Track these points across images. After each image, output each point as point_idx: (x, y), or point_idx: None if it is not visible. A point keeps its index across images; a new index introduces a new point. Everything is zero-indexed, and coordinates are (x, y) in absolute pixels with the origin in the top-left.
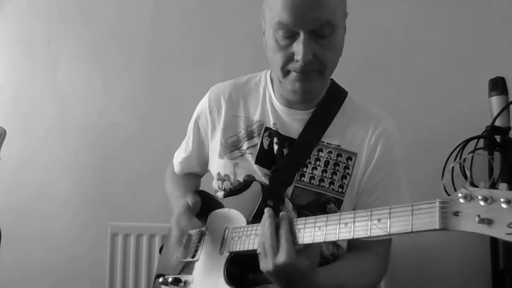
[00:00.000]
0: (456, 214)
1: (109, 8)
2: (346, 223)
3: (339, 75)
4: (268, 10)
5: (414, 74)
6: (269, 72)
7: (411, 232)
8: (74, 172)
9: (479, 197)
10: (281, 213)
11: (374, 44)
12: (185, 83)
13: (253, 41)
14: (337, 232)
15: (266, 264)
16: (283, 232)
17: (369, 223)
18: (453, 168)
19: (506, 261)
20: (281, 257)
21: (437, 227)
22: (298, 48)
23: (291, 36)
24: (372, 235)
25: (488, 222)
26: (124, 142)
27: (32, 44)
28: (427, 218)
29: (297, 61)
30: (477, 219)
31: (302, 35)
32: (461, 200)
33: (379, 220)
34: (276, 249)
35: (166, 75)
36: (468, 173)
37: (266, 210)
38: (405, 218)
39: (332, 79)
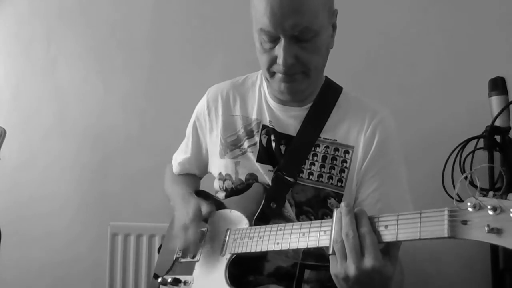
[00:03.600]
0: (464, 222)
1: (109, 8)
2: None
3: (339, 75)
4: (254, 15)
5: (414, 74)
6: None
7: (419, 239)
8: (74, 172)
9: (488, 207)
10: (358, 209)
11: (374, 44)
12: (185, 83)
13: (253, 41)
14: None
15: (344, 267)
16: (366, 231)
17: (376, 229)
18: (466, 178)
19: (506, 261)
20: (369, 261)
21: (446, 235)
22: (279, 52)
23: (274, 40)
24: (379, 241)
25: (498, 231)
26: (124, 142)
27: (32, 44)
28: (435, 226)
29: (280, 64)
30: (486, 228)
31: (282, 40)
32: (470, 209)
33: (386, 227)
34: (360, 251)
35: (166, 75)
36: (478, 183)
37: (344, 204)
38: (413, 226)
39: (326, 76)
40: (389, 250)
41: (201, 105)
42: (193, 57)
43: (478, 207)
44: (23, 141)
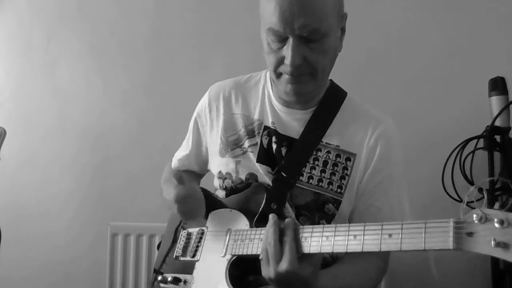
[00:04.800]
0: (470, 235)
1: (109, 8)
2: (355, 235)
3: (339, 75)
4: (262, 15)
5: (414, 74)
6: (268, 71)
7: (424, 250)
8: (74, 172)
9: (495, 220)
10: (286, 220)
11: (374, 44)
12: (185, 83)
13: (253, 41)
14: (346, 244)
15: (268, 271)
16: (288, 240)
17: (380, 237)
18: (479, 190)
19: (506, 261)
20: (284, 265)
21: (451, 247)
22: (287, 52)
23: (282, 41)
24: (382, 249)
25: (504, 245)
26: (124, 142)
27: (32, 44)
28: (440, 237)
29: (287, 64)
30: (493, 242)
31: (291, 40)
32: (476, 221)
33: (390, 235)
34: (279, 257)
35: (166, 75)
36: (485, 195)
37: (271, 216)
38: (417, 236)
39: (331, 80)
40: (312, 256)
41: (203, 102)
42: (193, 57)
43: (484, 220)
44: (23, 141)
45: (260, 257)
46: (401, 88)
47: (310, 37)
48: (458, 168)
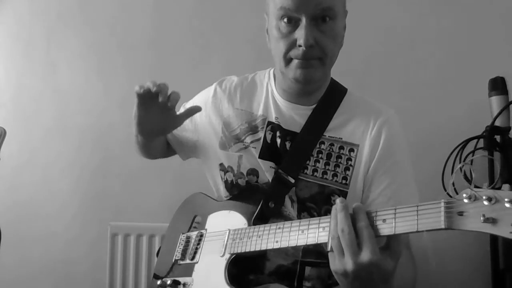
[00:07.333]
0: (460, 213)
1: (109, 8)
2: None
3: (340, 75)
4: (271, 0)
5: (414, 74)
6: (272, 69)
7: (416, 231)
8: (74, 172)
9: (484, 197)
10: (356, 204)
11: (374, 44)
12: (185, 83)
13: (253, 41)
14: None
15: (342, 263)
16: (363, 225)
17: (374, 224)
18: (461, 168)
19: (506, 261)
20: (366, 255)
21: (442, 226)
22: (300, 33)
23: (294, 23)
24: (377, 235)
25: (493, 221)
26: (124, 142)
27: (32, 44)
28: (432, 218)
29: (299, 46)
30: (481, 218)
31: (304, 20)
32: (466, 201)
33: (384, 220)
34: (357, 246)
35: (166, 75)
36: (473, 175)
37: (339, 200)
38: (410, 218)
39: (332, 77)
40: (389, 244)
41: (208, 92)
42: (193, 57)
43: (473, 198)
44: (23, 141)
45: (329, 249)
46: (401, 88)
47: (322, 16)
48: (458, 168)
